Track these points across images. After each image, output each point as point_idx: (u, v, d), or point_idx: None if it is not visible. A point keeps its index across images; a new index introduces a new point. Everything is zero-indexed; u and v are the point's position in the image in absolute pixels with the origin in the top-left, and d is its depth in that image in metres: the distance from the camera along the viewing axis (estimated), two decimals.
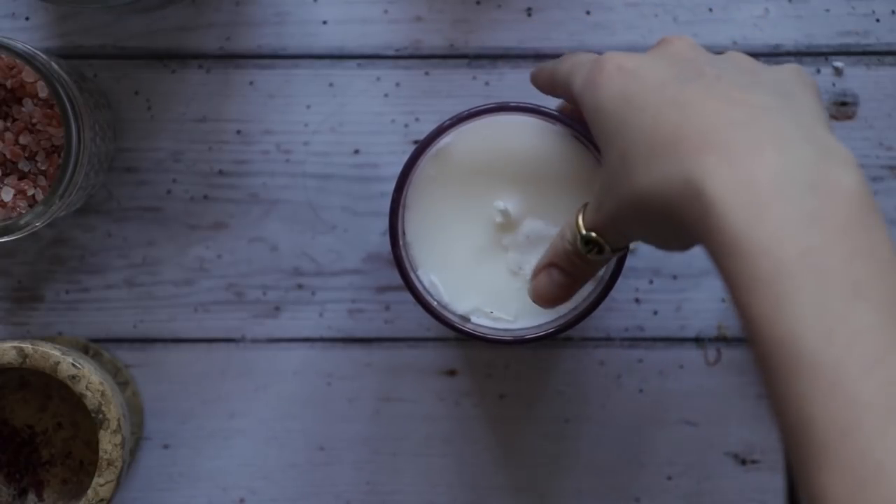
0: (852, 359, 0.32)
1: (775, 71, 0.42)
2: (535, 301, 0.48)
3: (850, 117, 0.59)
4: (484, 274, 0.51)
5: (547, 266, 0.47)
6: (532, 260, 0.51)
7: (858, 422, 0.32)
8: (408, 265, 0.51)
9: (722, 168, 0.36)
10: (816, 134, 0.38)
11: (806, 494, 0.33)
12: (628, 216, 0.41)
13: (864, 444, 0.31)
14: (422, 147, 0.50)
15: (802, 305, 0.33)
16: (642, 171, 0.39)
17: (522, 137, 0.51)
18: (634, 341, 0.59)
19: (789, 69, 0.42)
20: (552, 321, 0.51)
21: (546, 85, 0.50)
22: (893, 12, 0.59)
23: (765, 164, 0.36)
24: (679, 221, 0.38)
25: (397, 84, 0.59)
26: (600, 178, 0.43)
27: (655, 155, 0.39)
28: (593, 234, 0.44)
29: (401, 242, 0.51)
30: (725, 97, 0.39)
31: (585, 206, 0.45)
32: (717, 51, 0.59)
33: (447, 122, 0.50)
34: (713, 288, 0.59)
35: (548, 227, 0.51)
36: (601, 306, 0.51)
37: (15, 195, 0.53)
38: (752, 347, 0.35)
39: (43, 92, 0.53)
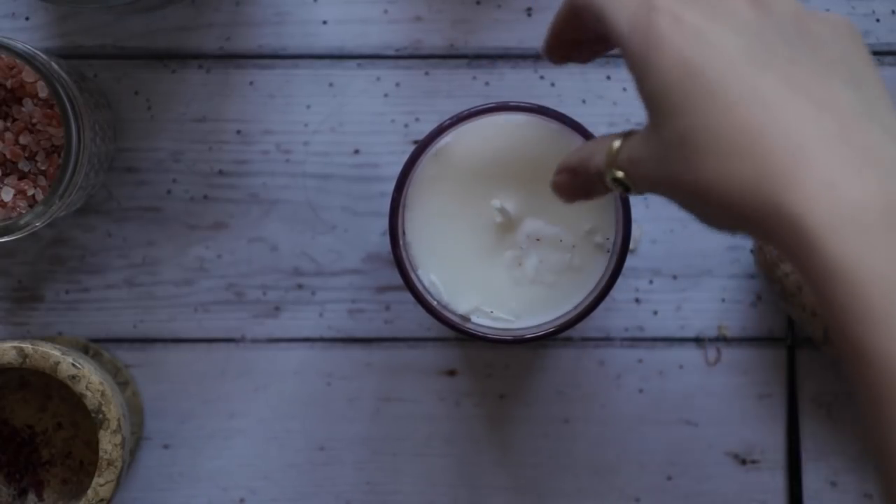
0: None
1: (834, 39, 0.39)
2: (554, 192, 0.46)
3: None
4: (484, 273, 0.51)
5: (571, 171, 0.45)
6: (532, 259, 0.51)
7: None
8: (408, 265, 0.51)
9: (822, 195, 0.34)
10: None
11: None
12: (679, 196, 0.39)
13: None
14: (422, 147, 0.50)
15: None
16: (712, 167, 0.36)
17: (522, 137, 0.51)
18: (634, 341, 0.59)
19: (844, 32, 0.39)
20: (552, 321, 0.51)
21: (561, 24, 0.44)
22: (893, 12, 0.59)
23: (868, 190, 0.34)
24: (755, 230, 0.36)
25: (397, 84, 0.59)
26: (649, 139, 0.39)
27: (731, 154, 0.36)
28: (624, 177, 0.42)
29: (401, 242, 0.51)
30: (807, 95, 0.36)
31: (627, 135, 0.42)
32: None
33: (447, 122, 0.50)
34: (713, 288, 0.59)
35: (547, 227, 0.51)
36: (601, 306, 0.51)
37: (15, 195, 0.53)
38: (854, 380, 0.34)
39: (43, 92, 0.53)
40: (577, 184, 0.45)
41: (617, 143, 0.41)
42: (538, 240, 0.51)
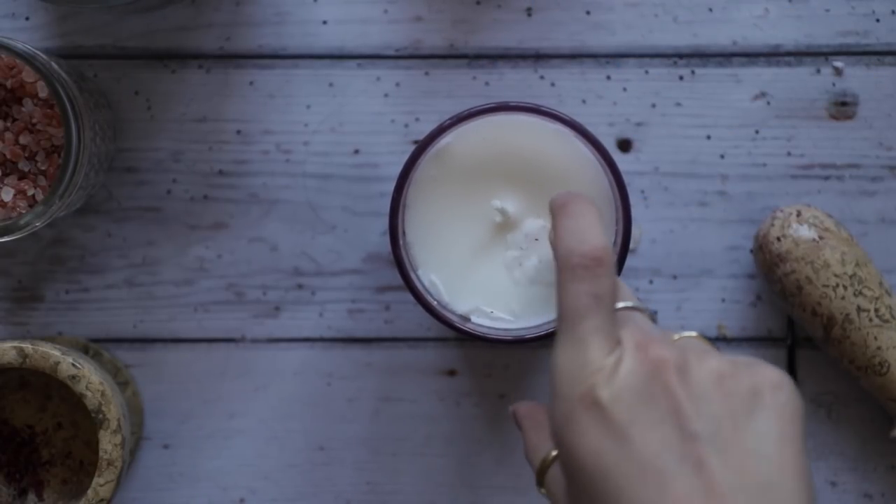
0: None
1: (763, 424, 0.39)
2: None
3: (850, 117, 0.59)
4: (484, 273, 0.51)
5: (516, 423, 0.48)
6: (532, 259, 0.51)
7: None
8: (408, 265, 0.51)
9: None
10: None
11: None
12: None
13: None
14: (422, 146, 0.50)
15: None
16: None
17: (522, 137, 0.51)
18: None
19: (778, 417, 0.39)
20: (552, 321, 0.51)
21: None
22: (893, 12, 0.59)
23: None
24: None
25: (397, 84, 0.59)
26: (569, 491, 0.40)
27: None
28: (548, 495, 0.44)
29: (401, 242, 0.51)
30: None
31: (554, 459, 0.44)
32: (717, 51, 0.59)
33: (447, 122, 0.50)
34: (713, 288, 0.59)
35: (547, 226, 0.51)
36: None
37: (15, 195, 0.53)
38: None
39: (43, 92, 0.53)
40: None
41: (551, 456, 0.43)
42: (537, 240, 0.51)
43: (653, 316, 0.42)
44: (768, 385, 0.40)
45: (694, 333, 0.44)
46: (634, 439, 0.38)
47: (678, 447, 0.37)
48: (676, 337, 0.44)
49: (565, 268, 0.41)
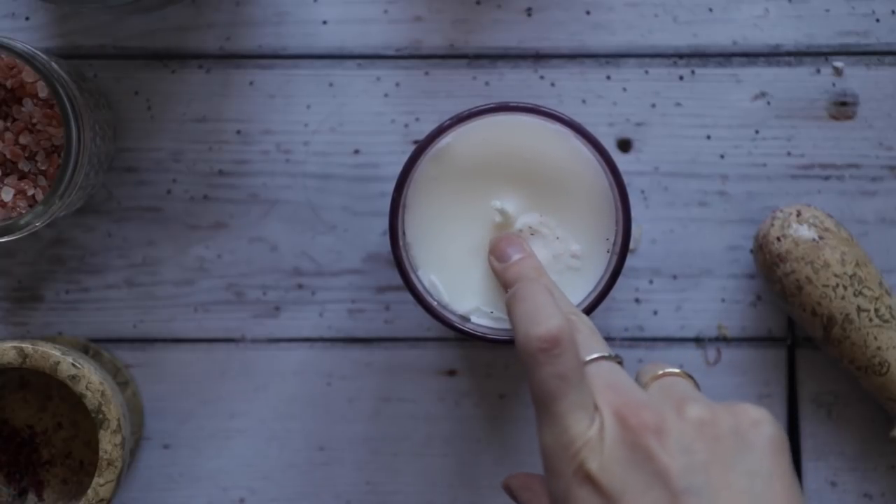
0: None
1: (750, 463, 0.40)
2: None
3: (849, 117, 0.59)
4: (484, 274, 0.51)
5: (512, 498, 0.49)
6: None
7: None
8: (408, 265, 0.51)
9: None
10: None
11: None
12: None
13: None
14: (422, 147, 0.50)
15: None
16: None
17: (522, 137, 0.51)
18: (634, 341, 0.59)
19: (763, 454, 0.40)
20: None
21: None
22: (893, 12, 0.59)
23: None
24: None
25: (397, 84, 0.59)
26: None
27: None
28: None
29: (401, 242, 0.51)
30: None
31: None
32: (717, 51, 0.59)
33: (447, 122, 0.50)
34: (713, 288, 0.59)
35: (542, 218, 0.51)
36: (601, 306, 0.51)
37: (15, 195, 0.53)
38: None
39: (43, 92, 0.53)
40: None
41: None
42: (533, 234, 0.51)
43: (620, 361, 0.44)
44: (748, 423, 0.41)
45: (677, 370, 0.45)
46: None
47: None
48: (660, 372, 0.44)
49: (526, 355, 0.43)
